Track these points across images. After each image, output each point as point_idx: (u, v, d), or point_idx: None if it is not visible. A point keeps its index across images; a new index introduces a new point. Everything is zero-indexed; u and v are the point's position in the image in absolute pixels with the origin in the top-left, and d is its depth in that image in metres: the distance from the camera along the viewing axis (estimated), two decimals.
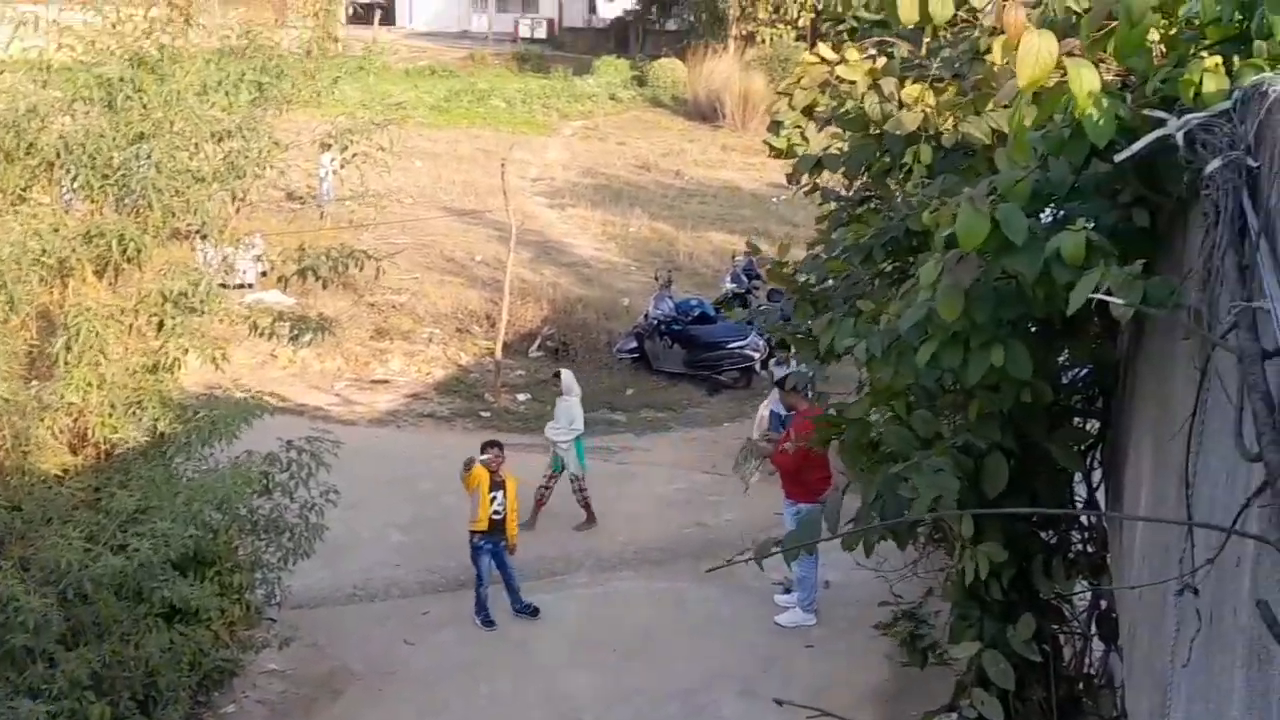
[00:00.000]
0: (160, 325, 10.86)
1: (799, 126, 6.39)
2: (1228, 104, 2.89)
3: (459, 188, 30.98)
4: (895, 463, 5.79)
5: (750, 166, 34.63)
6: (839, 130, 6.15)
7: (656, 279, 21.51)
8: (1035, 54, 3.28)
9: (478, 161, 33.44)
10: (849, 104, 5.82)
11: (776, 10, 44.27)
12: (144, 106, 10.79)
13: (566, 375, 14.82)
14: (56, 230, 10.20)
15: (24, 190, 10.78)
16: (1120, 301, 3.17)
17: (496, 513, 11.93)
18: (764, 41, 43.55)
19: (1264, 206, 2.47)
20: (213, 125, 11.15)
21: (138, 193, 10.49)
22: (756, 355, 19.00)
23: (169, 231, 11.00)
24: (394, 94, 40.99)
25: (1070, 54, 3.55)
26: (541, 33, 58.78)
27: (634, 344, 20.04)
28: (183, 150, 11.06)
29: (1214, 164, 2.67)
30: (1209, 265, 2.66)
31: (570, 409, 14.36)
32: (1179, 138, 2.96)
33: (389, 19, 62.13)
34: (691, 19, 47.59)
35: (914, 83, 5.64)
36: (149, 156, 10.60)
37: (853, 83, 5.77)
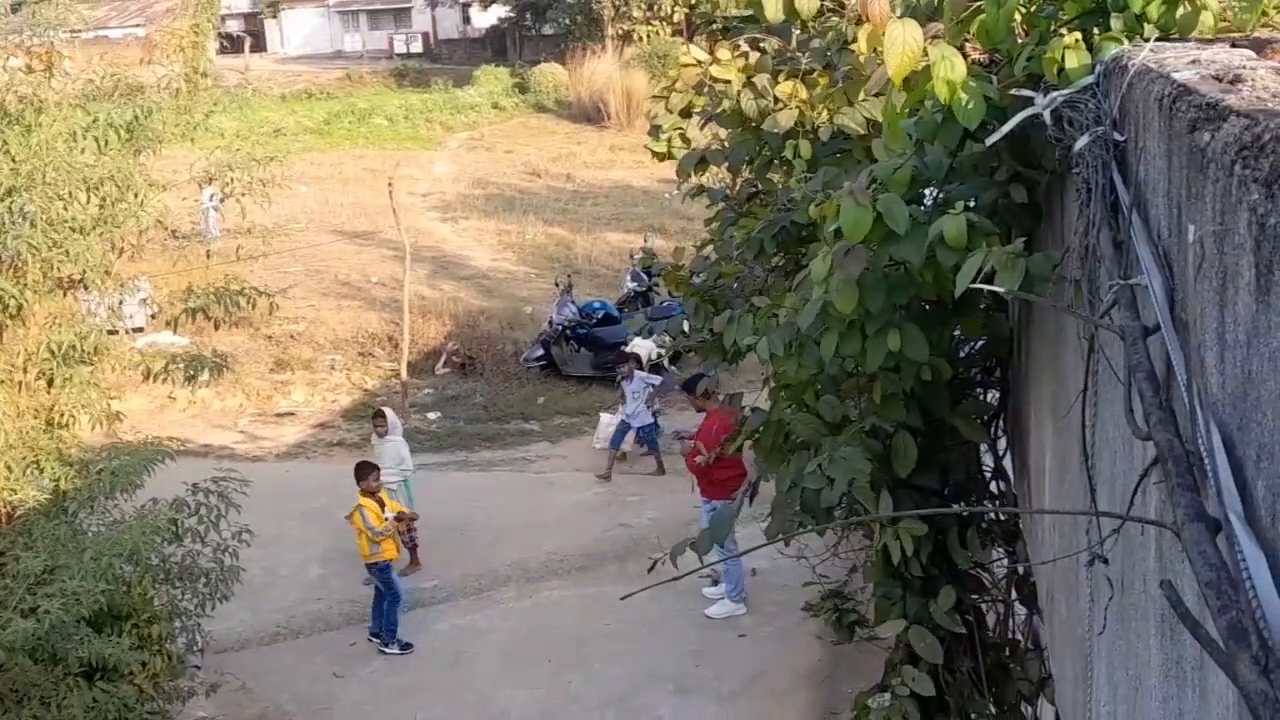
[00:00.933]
0: (50, 381, 10.58)
1: (679, 129, 6.41)
2: (1091, 79, 2.95)
3: (348, 210, 30.63)
4: (807, 452, 5.85)
5: (640, 164, 34.69)
6: (719, 128, 6.18)
7: (557, 285, 21.45)
8: (901, 44, 3.31)
9: (364, 181, 33.08)
10: (725, 103, 5.84)
11: (651, 8, 44.49)
12: (12, 160, 10.48)
13: (391, 415, 14.31)
14: None
15: None
16: (1001, 289, 3.22)
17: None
18: (641, 39, 43.74)
19: (1133, 180, 2.52)
20: (85, 173, 10.86)
21: (14, 249, 10.19)
22: (663, 350, 19.03)
23: (50, 284, 10.70)
24: (272, 120, 40.52)
25: (935, 37, 3.59)
26: (417, 47, 58.39)
27: (541, 352, 19.96)
28: (57, 201, 10.77)
29: (1082, 141, 2.72)
30: (1085, 242, 2.70)
31: (397, 449, 13.81)
32: (1046, 115, 3.02)
33: (260, 46, 61.22)
34: (567, 22, 47.60)
35: (787, 78, 5.67)
36: (22, 211, 10.30)
37: (727, 82, 5.80)
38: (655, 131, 6.53)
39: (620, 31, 44.77)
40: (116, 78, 12.09)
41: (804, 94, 5.50)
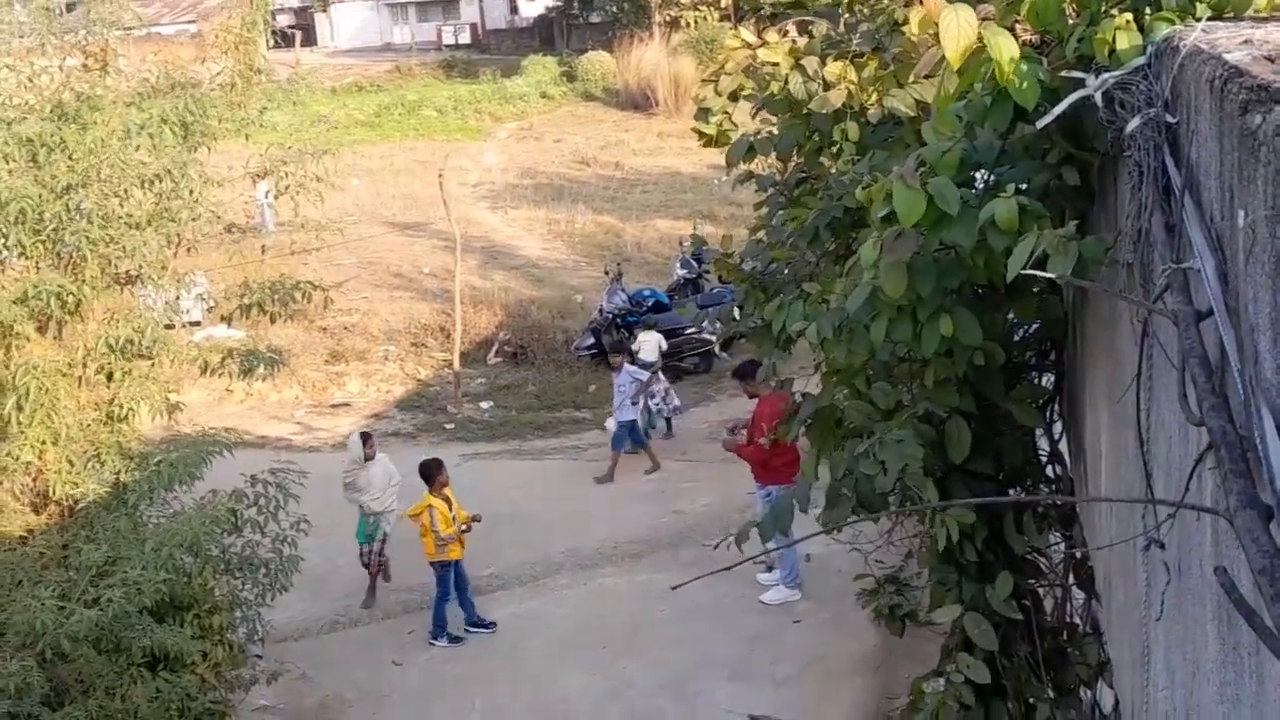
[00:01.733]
0: (110, 376, 10.75)
1: (727, 112, 6.39)
2: (1142, 60, 2.91)
3: (399, 201, 30.84)
4: (860, 438, 5.83)
5: (688, 150, 34.61)
6: (769, 114, 6.15)
7: (607, 273, 21.49)
8: (957, 29, 3.29)
9: (415, 173, 33.29)
10: (774, 86, 5.82)
11: None
12: (69, 158, 10.65)
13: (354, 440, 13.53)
14: None
15: None
16: (1053, 275, 3.20)
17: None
18: (689, 25, 43.56)
19: (1185, 162, 2.48)
20: (140, 170, 11.02)
21: (72, 245, 10.37)
22: (714, 338, 18.99)
23: (108, 280, 10.87)
24: (323, 114, 40.88)
25: (986, 19, 3.56)
26: (465, 38, 58.55)
27: (591, 340, 20.01)
28: (113, 197, 10.93)
29: (1134, 123, 2.69)
30: (1138, 225, 2.68)
31: (386, 467, 13.23)
32: (1098, 97, 2.98)
33: (310, 40, 61.69)
34: (614, 9, 47.52)
35: (835, 60, 5.64)
36: (79, 208, 10.49)
37: (775, 65, 5.77)
38: (704, 115, 6.51)
39: (667, 18, 44.66)
40: (171, 75, 12.27)
41: (853, 76, 5.46)
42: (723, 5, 43.04)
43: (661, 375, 16.93)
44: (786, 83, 5.69)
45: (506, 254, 26.49)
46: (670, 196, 31.17)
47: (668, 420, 16.95)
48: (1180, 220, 2.37)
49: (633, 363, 16.27)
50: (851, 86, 5.50)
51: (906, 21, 4.45)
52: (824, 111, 5.58)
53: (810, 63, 5.64)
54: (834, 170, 5.86)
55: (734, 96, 6.31)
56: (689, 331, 19.25)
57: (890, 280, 3.94)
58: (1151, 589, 2.97)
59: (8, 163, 10.68)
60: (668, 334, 19.37)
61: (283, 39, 59.75)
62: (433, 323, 22.00)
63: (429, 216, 27.33)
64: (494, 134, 40.97)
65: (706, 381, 19.25)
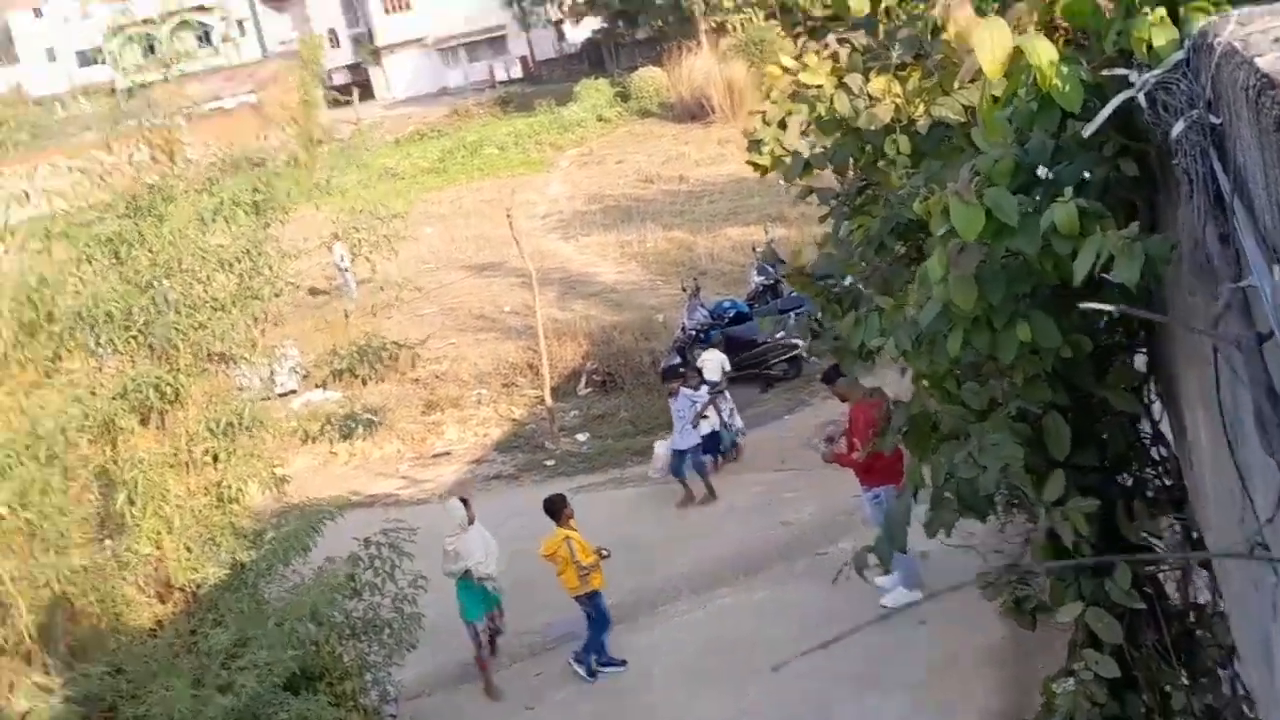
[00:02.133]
0: (215, 458, 11.02)
1: (778, 140, 6.38)
2: (1180, 55, 2.84)
3: (472, 243, 31.25)
4: (957, 440, 5.75)
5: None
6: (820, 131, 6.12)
7: (684, 289, 21.49)
8: (992, 44, 3.25)
9: (484, 213, 33.68)
10: (820, 108, 5.79)
11: None
12: (149, 251, 10.98)
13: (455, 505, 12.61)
14: (94, 392, 10.37)
15: (54, 358, 10.97)
16: (1121, 278, 3.13)
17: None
18: (735, 29, 43.50)
19: (1233, 166, 2.41)
20: (219, 253, 11.32)
21: (162, 336, 10.66)
22: (800, 342, 18.82)
23: (201, 365, 11.16)
24: (389, 166, 41.44)
25: (1019, 21, 3.52)
26: (517, 71, 59.20)
27: (677, 359, 19.96)
28: (196, 284, 11.24)
29: (1178, 127, 2.62)
30: (1194, 236, 2.61)
31: (481, 532, 12.46)
32: (1141, 98, 2.92)
33: (368, 94, 62.81)
34: (660, 24, 47.65)
35: (878, 73, 5.59)
36: (165, 298, 10.79)
37: (819, 86, 5.74)
38: (755, 146, 6.50)
39: (713, 25, 44.63)
40: (236, 158, 12.59)
41: (898, 89, 5.41)
42: (768, 4, 42.89)
43: (727, 394, 16.71)
44: (832, 102, 5.66)
45: (583, 282, 26.66)
46: (738, 203, 31.11)
47: (733, 442, 16.71)
48: (1233, 230, 2.31)
49: (701, 382, 16.02)
50: (897, 99, 5.45)
51: (946, 26, 4.38)
52: (873, 128, 5.54)
53: (854, 80, 5.61)
54: (892, 176, 5.82)
55: (782, 123, 6.30)
56: (776, 336, 19.13)
57: (960, 293, 3.89)
58: (1259, 591, 2.89)
59: (91, 264, 11.05)
60: (751, 344, 19.29)
61: (341, 94, 61.20)
62: (520, 361, 22.20)
63: (503, 255, 27.63)
64: (556, 163, 41.30)
65: (797, 386, 19.11)
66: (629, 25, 52.27)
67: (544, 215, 33.98)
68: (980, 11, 3.57)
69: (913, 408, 6.09)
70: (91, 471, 10.68)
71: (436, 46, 62.42)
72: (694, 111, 41.88)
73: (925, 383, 6.29)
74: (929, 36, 5.33)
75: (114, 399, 10.43)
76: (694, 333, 19.85)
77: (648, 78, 45.54)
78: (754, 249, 23.05)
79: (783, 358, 19.30)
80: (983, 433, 5.37)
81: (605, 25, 54.12)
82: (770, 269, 21.35)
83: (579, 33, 57.40)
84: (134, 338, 10.72)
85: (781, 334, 18.95)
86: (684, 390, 15.46)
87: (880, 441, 6.53)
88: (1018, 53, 3.43)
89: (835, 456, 11.97)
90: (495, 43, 61.65)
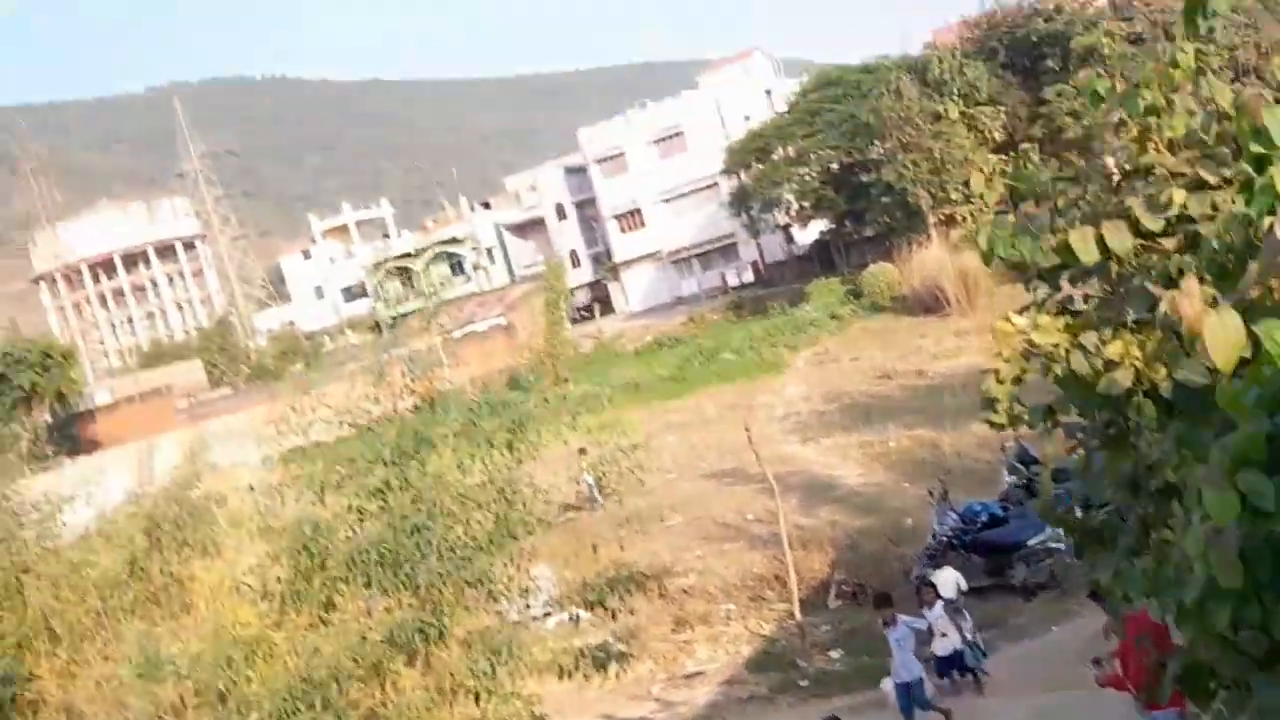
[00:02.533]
0: (477, 696, 11.25)
1: (1015, 398, 6.27)
2: None
3: (713, 451, 31.47)
4: (1238, 688, 5.33)
5: (991, 345, 33.95)
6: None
7: (931, 493, 20.89)
8: (1224, 338, 3.15)
9: (724, 419, 34.02)
10: (1055, 368, 5.67)
11: (967, 184, 44.25)
12: (413, 499, 11.56)
13: None
14: (364, 638, 10.81)
15: (327, 601, 11.56)
16: None
17: None
18: (965, 219, 43.45)
19: None
20: (478, 495, 11.82)
21: (426, 580, 11.11)
22: (1062, 546, 17.82)
23: (463, 604, 11.54)
24: (630, 377, 42.56)
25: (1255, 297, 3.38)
26: (748, 276, 60.59)
27: (930, 568, 19.35)
28: (457, 524, 11.73)
29: None
30: None
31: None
32: None
33: (607, 308, 65.43)
34: (887, 220, 48.08)
35: (1113, 331, 5.46)
36: (430, 544, 11.28)
37: (1054, 345, 5.64)
38: (990, 404, 6.40)
39: (941, 217, 44.73)
40: (489, 396, 13.25)
41: (1136, 351, 5.26)
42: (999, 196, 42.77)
43: (966, 613, 15.85)
44: (1068, 361, 5.54)
45: (826, 486, 26.38)
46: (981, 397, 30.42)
47: (978, 662, 15.57)
48: None
49: (936, 597, 15.21)
50: (1136, 363, 5.29)
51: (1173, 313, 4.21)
52: (1113, 393, 5.38)
53: (1089, 339, 5.48)
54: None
55: (1017, 380, 6.19)
56: (1031, 543, 18.28)
57: (1224, 572, 3.67)
58: None
59: (362, 515, 11.73)
60: (1008, 549, 18.52)
61: (586, 314, 63.95)
62: (766, 572, 21.97)
63: (744, 461, 27.69)
64: (792, 364, 41.60)
65: (1065, 594, 18.08)
66: (856, 223, 52.95)
67: (782, 417, 34.08)
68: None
69: (1187, 655, 5.69)
70: (361, 715, 11.07)
71: (670, 259, 64.66)
72: (928, 304, 41.69)
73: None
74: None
75: (382, 642, 10.84)
76: (945, 540, 19.20)
77: (879, 273, 45.78)
78: (1003, 447, 22.21)
79: (1043, 561, 18.33)
80: (1266, 687, 4.96)
81: (833, 225, 54.99)
82: (1022, 467, 20.60)
83: (807, 234, 58.48)
84: (400, 582, 11.20)
85: (1041, 538, 18.12)
86: (901, 618, 14.32)
87: (1155, 693, 6.10)
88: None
89: (1107, 679, 11.24)
90: (726, 251, 63.44)
